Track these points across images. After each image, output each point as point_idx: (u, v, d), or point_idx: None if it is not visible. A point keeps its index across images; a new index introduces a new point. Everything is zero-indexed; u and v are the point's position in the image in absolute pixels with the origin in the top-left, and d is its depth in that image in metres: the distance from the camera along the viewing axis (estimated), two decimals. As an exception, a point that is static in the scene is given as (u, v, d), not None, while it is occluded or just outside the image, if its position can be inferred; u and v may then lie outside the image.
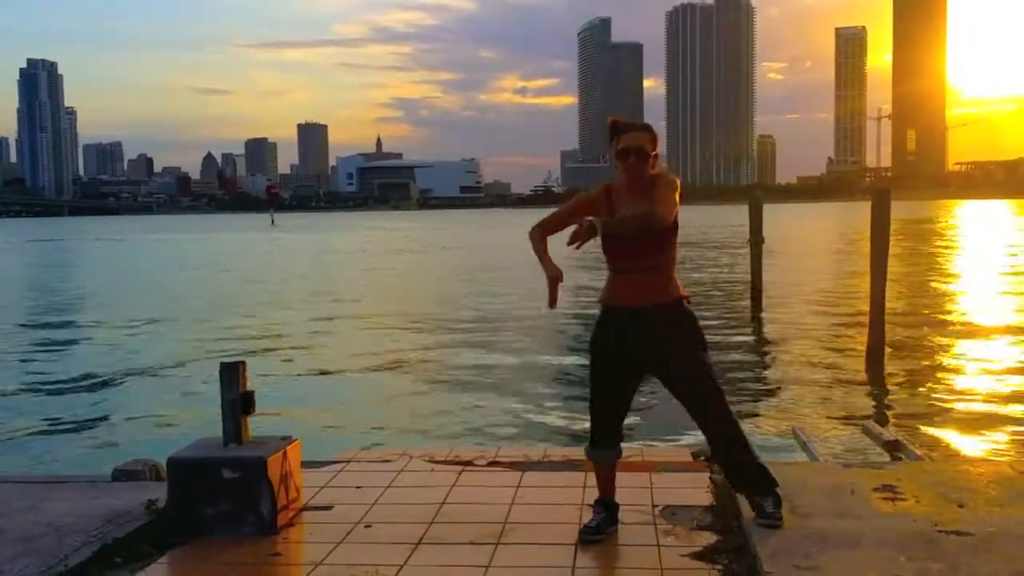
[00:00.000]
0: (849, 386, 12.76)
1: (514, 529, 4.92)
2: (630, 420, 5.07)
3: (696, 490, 5.44)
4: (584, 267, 23.78)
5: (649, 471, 5.83)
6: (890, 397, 12.18)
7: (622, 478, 5.61)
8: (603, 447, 4.84)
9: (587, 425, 4.92)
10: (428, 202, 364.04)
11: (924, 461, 6.58)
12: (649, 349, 4.63)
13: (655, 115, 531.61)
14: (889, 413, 11.20)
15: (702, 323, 4.72)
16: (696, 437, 9.56)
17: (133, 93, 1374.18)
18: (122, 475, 5.94)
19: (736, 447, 4.72)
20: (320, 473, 5.96)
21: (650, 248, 4.59)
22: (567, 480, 5.66)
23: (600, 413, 4.81)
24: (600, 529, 4.74)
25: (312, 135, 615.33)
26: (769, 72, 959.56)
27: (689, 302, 4.74)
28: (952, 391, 12.38)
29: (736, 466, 4.75)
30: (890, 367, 13.62)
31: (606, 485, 4.92)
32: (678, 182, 4.67)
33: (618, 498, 4.95)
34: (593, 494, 5.02)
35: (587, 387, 4.85)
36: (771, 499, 4.68)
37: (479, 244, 67.96)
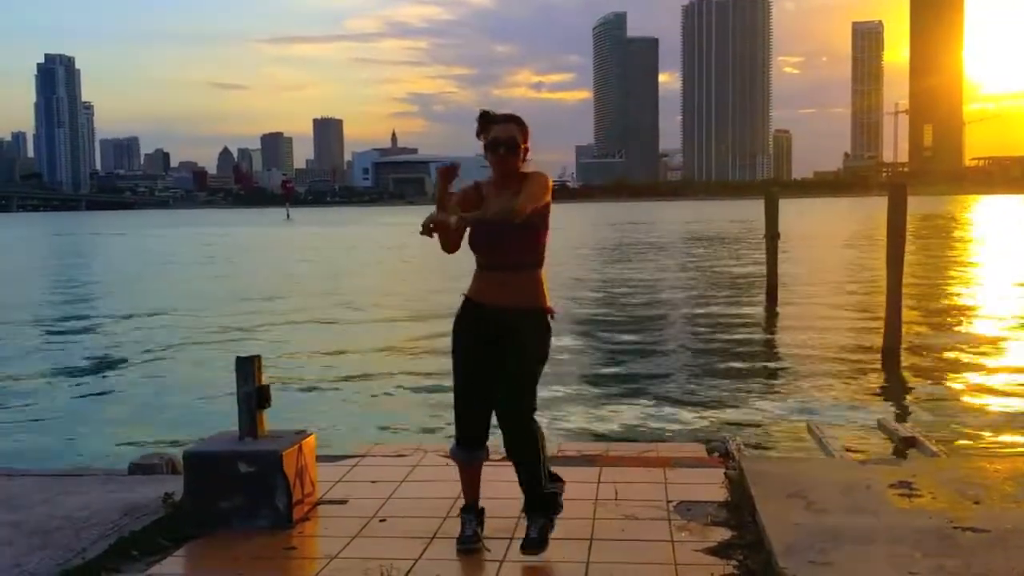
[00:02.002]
0: (865, 382, 12.72)
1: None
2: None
3: (711, 486, 5.43)
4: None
5: (663, 467, 5.83)
6: (906, 393, 12.14)
7: (637, 473, 5.63)
8: (469, 447, 4.66)
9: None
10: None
11: (940, 457, 6.57)
12: (501, 349, 4.48)
13: (671, 110, 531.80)
14: (905, 409, 11.16)
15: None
16: (710, 431, 9.59)
17: (149, 88, 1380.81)
18: (138, 469, 5.97)
19: (530, 468, 4.52)
20: (335, 467, 5.98)
21: (516, 245, 4.45)
22: (581, 475, 5.65)
23: (464, 411, 4.65)
24: (478, 536, 4.63)
25: (327, 130, 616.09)
26: (785, 66, 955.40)
27: (553, 317, 4.57)
28: (969, 387, 12.33)
29: (522, 484, 4.57)
30: (906, 363, 13.57)
31: (472, 489, 4.75)
32: (549, 180, 4.52)
33: (633, 493, 4.91)
34: (608, 490, 5.01)
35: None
36: (535, 527, 4.49)
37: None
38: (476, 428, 4.64)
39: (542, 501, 4.54)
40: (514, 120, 4.54)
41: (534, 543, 4.44)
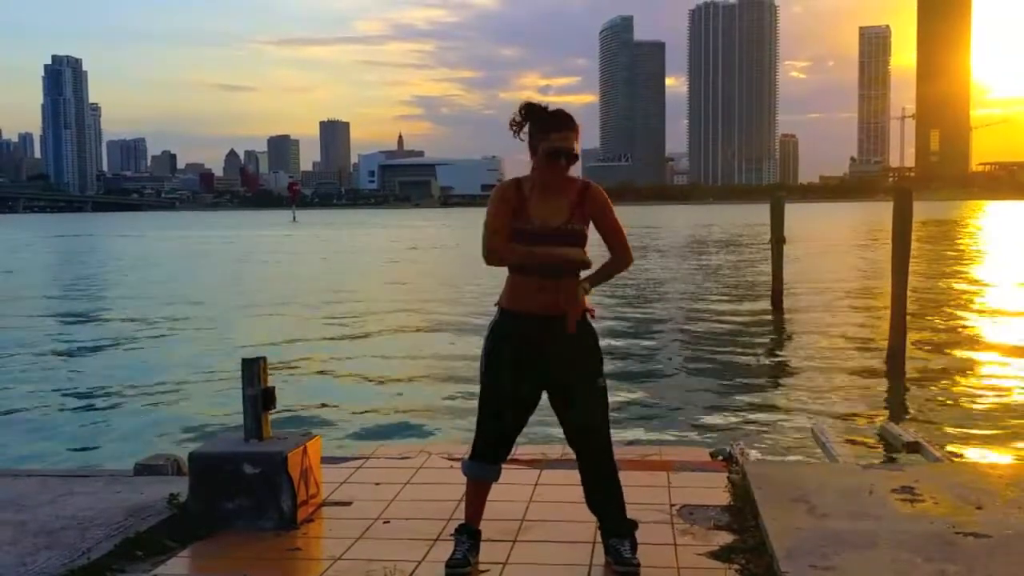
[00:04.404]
0: (869, 386, 12.72)
1: (531, 527, 4.94)
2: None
3: (714, 490, 5.45)
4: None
5: (667, 470, 5.85)
6: (910, 398, 12.14)
7: (640, 477, 5.64)
8: (487, 462, 4.44)
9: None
10: (449, 200, 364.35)
11: (943, 463, 6.58)
12: (549, 362, 4.29)
13: (677, 113, 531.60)
14: (909, 414, 11.16)
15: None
16: (714, 435, 9.60)
17: (156, 90, 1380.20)
18: (144, 469, 5.99)
19: (611, 484, 4.41)
20: (340, 469, 6.00)
21: (569, 256, 4.26)
22: (585, 478, 5.67)
23: (491, 426, 4.40)
24: (467, 561, 4.37)
25: (334, 132, 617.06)
26: (792, 71, 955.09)
27: (593, 316, 4.38)
28: (973, 393, 12.32)
29: (604, 503, 4.44)
30: (911, 367, 13.55)
31: (475, 510, 4.52)
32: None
33: (636, 497, 4.89)
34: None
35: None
36: (628, 543, 4.36)
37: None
38: (498, 446, 4.44)
39: (627, 519, 4.43)
40: (574, 128, 4.23)
41: (632, 562, 4.30)
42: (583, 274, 4.31)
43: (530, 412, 4.45)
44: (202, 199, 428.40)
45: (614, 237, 4.41)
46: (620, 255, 4.45)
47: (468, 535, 4.48)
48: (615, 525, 4.42)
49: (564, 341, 4.26)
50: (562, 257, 4.23)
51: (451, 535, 4.56)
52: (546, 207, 4.25)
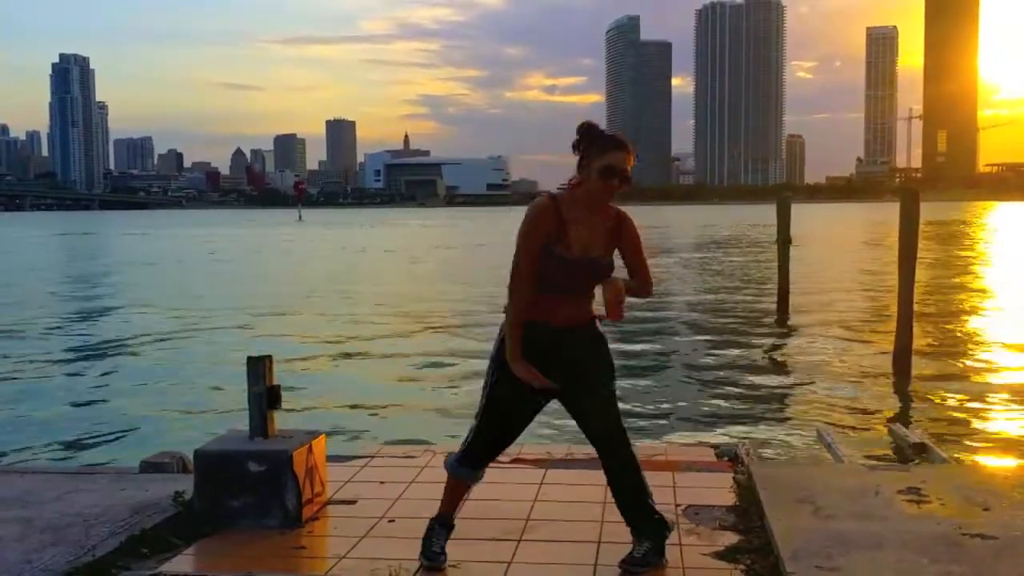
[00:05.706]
0: (876, 387, 12.69)
1: (536, 526, 4.94)
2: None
3: (719, 490, 5.44)
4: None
5: (672, 470, 5.83)
6: (917, 399, 12.11)
7: (645, 477, 5.62)
8: (476, 467, 4.45)
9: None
10: (455, 199, 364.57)
11: (950, 464, 6.56)
12: (561, 370, 4.24)
13: (683, 114, 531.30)
14: (916, 415, 11.14)
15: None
16: (719, 436, 9.59)
17: (163, 88, 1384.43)
18: (149, 467, 6.00)
19: (636, 486, 4.36)
20: (345, 467, 6.00)
21: (595, 281, 4.23)
22: (590, 478, 5.65)
23: (489, 432, 4.38)
24: (444, 552, 4.43)
25: (340, 131, 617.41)
26: (799, 71, 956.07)
27: (601, 321, 4.33)
28: (980, 394, 12.28)
29: (632, 503, 4.38)
30: (918, 369, 13.52)
31: (455, 504, 4.54)
32: None
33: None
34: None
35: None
36: (647, 544, 4.32)
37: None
38: (491, 453, 4.43)
39: (658, 517, 4.36)
40: (628, 148, 4.20)
41: (638, 563, 4.30)
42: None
43: (529, 420, 4.41)
44: (208, 198, 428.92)
45: (641, 271, 4.35)
46: (644, 287, 4.36)
47: (444, 527, 4.49)
48: (645, 527, 4.35)
49: (577, 351, 4.26)
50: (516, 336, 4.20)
51: (430, 524, 4.50)
52: (586, 233, 4.18)
